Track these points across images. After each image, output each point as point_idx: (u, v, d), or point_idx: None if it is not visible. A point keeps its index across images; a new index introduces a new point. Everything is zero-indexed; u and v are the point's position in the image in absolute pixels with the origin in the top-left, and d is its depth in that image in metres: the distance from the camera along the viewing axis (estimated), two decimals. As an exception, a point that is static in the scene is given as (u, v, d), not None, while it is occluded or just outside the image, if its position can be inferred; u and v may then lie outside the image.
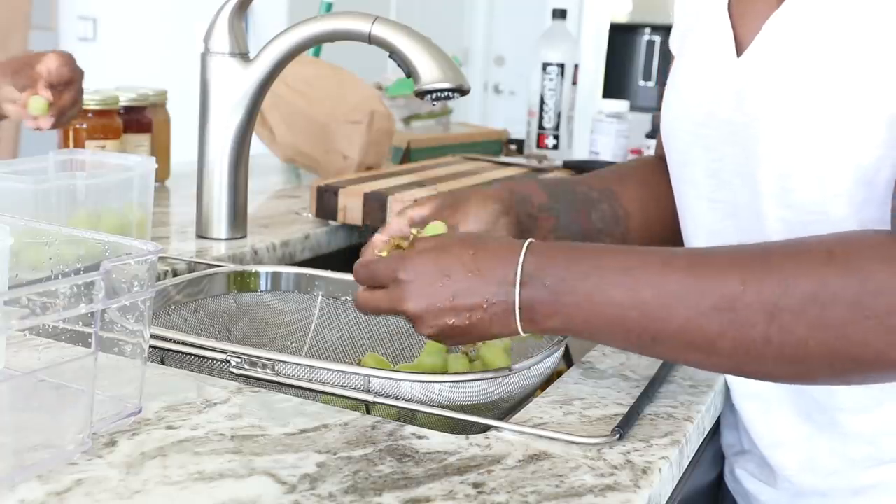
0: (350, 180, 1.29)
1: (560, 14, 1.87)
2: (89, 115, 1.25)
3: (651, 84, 4.40)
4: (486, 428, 0.64)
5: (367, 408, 0.68)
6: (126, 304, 0.57)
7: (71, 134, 1.25)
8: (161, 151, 1.42)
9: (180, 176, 1.48)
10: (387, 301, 0.68)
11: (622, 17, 4.48)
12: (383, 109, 1.50)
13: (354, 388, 0.68)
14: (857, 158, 0.66)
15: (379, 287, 0.69)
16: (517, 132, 2.03)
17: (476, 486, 0.55)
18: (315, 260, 1.21)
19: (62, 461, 0.54)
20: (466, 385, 0.68)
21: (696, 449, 0.71)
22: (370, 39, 0.99)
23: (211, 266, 0.97)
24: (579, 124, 1.98)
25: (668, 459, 0.61)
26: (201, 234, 1.14)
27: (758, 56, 0.72)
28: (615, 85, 4.37)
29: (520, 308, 0.64)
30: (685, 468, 0.67)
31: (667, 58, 0.95)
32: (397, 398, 0.68)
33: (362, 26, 0.99)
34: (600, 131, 1.77)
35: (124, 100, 1.35)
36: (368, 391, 0.68)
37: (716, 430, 0.86)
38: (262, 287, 0.95)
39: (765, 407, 0.79)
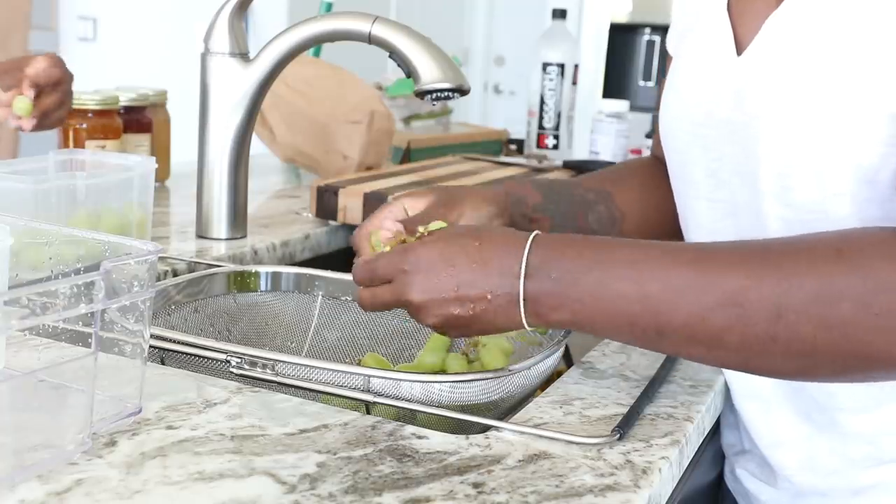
0: (350, 180, 1.29)
1: (560, 14, 1.87)
2: (89, 115, 1.25)
3: (651, 84, 4.40)
4: (486, 428, 0.64)
5: (367, 408, 0.68)
6: (126, 304, 0.57)
7: (71, 134, 1.25)
8: (161, 151, 1.42)
9: (180, 176, 1.48)
10: (390, 293, 0.68)
11: (622, 17, 4.48)
12: (383, 109, 1.50)
13: (354, 388, 0.68)
14: (857, 157, 0.65)
15: (381, 283, 0.69)
16: (517, 132, 2.04)
17: (476, 486, 0.55)
18: (315, 260, 1.21)
19: (62, 461, 0.54)
20: (466, 385, 0.68)
21: (696, 449, 0.71)
22: (370, 39, 0.99)
23: (211, 266, 0.97)
24: (579, 124, 1.99)
25: (668, 459, 0.61)
26: (201, 234, 1.14)
27: (758, 55, 0.72)
28: (615, 85, 4.37)
29: (524, 300, 0.64)
30: (685, 468, 0.67)
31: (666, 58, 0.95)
32: (397, 398, 0.68)
33: (362, 26, 0.99)
34: (600, 131, 1.77)
35: (124, 100, 1.35)
36: (368, 391, 0.68)
37: (716, 430, 0.86)
38: (262, 287, 0.95)
39: (765, 407, 0.79)
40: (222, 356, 0.70)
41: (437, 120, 1.93)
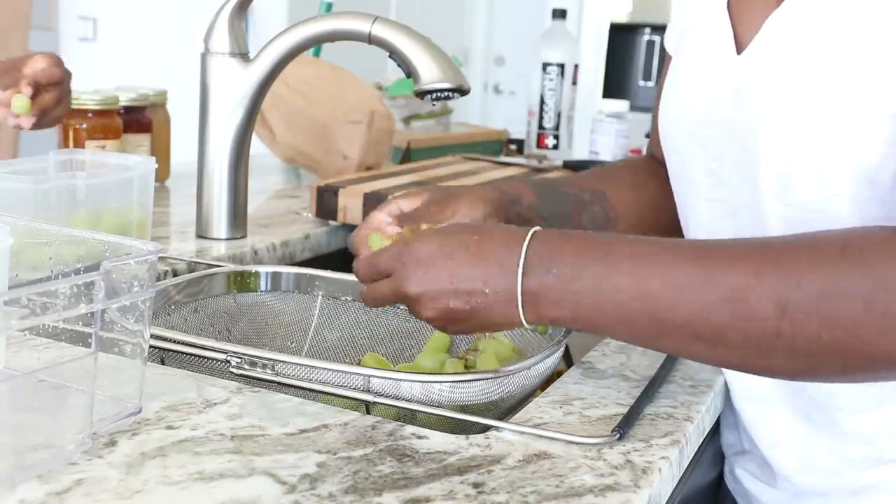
0: (350, 180, 1.29)
1: (560, 14, 1.87)
2: (89, 115, 1.25)
3: (651, 84, 4.40)
4: (486, 428, 0.64)
5: (367, 408, 0.68)
6: (126, 304, 0.57)
7: (71, 134, 1.25)
8: (161, 151, 1.42)
9: (180, 176, 1.48)
10: (389, 286, 0.68)
11: (622, 17, 4.48)
12: (383, 109, 1.50)
13: (354, 388, 0.68)
14: (858, 157, 0.65)
15: (382, 278, 0.69)
16: (517, 132, 2.04)
17: (476, 486, 0.55)
18: (315, 260, 1.21)
19: (62, 461, 0.54)
20: (466, 385, 0.68)
21: (696, 449, 0.71)
22: (370, 39, 0.99)
23: (211, 266, 0.97)
24: (579, 124, 1.99)
25: (668, 459, 0.61)
26: (201, 234, 1.14)
27: (758, 54, 0.72)
28: (615, 85, 4.37)
29: (522, 295, 0.64)
30: (685, 468, 0.67)
31: (666, 57, 0.95)
32: (397, 398, 0.68)
33: (362, 26, 0.99)
34: (600, 131, 1.77)
35: (124, 100, 1.35)
36: (368, 391, 0.68)
37: (716, 430, 0.86)
38: (262, 287, 0.95)
39: (764, 407, 0.79)
40: (222, 356, 0.70)
41: (437, 120, 1.93)
